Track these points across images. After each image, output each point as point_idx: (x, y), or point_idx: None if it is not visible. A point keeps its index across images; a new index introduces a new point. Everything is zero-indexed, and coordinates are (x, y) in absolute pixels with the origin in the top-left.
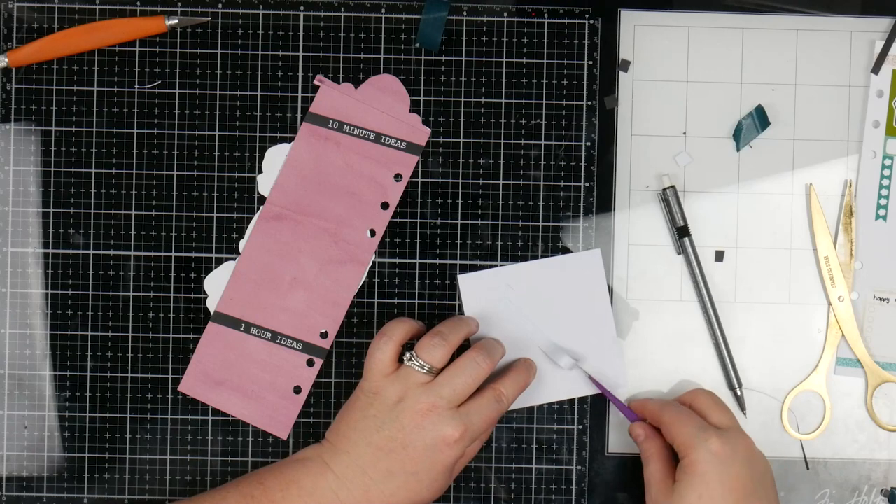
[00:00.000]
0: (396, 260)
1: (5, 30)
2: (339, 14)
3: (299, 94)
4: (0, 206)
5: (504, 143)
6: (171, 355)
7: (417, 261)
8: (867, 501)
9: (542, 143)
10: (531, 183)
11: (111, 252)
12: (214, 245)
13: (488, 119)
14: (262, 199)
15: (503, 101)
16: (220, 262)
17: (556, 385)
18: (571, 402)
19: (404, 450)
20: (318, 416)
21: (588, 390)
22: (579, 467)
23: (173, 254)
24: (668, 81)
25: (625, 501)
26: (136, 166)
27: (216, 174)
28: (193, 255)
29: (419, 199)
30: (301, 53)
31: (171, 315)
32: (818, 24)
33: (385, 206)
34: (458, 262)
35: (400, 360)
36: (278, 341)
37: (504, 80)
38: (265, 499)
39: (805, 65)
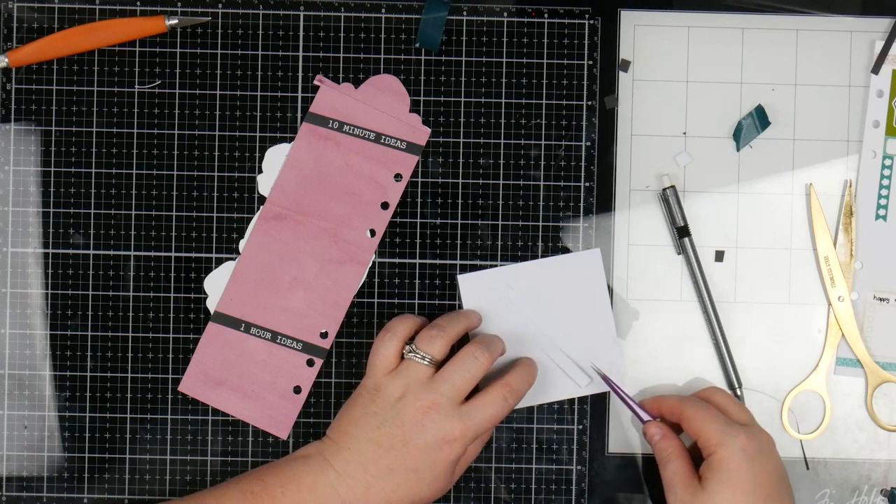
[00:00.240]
0: (396, 260)
1: (5, 30)
2: (339, 14)
3: (299, 94)
4: (0, 206)
5: (504, 143)
6: (171, 355)
7: (417, 261)
8: (867, 501)
9: (542, 143)
10: (531, 183)
11: (111, 252)
12: (214, 245)
13: (488, 119)
14: (262, 199)
15: (503, 101)
16: (220, 262)
17: (557, 385)
18: (571, 402)
19: (405, 447)
20: (318, 416)
21: (588, 390)
22: (579, 467)
23: (173, 254)
24: (668, 81)
25: (625, 501)
26: (136, 166)
27: (216, 174)
28: (193, 255)
29: (419, 199)
30: (301, 53)
31: (171, 315)
32: (818, 24)
33: (385, 206)
34: (458, 262)
35: (402, 358)
36: (278, 341)
37: (504, 80)
38: (265, 495)
39: (805, 65)
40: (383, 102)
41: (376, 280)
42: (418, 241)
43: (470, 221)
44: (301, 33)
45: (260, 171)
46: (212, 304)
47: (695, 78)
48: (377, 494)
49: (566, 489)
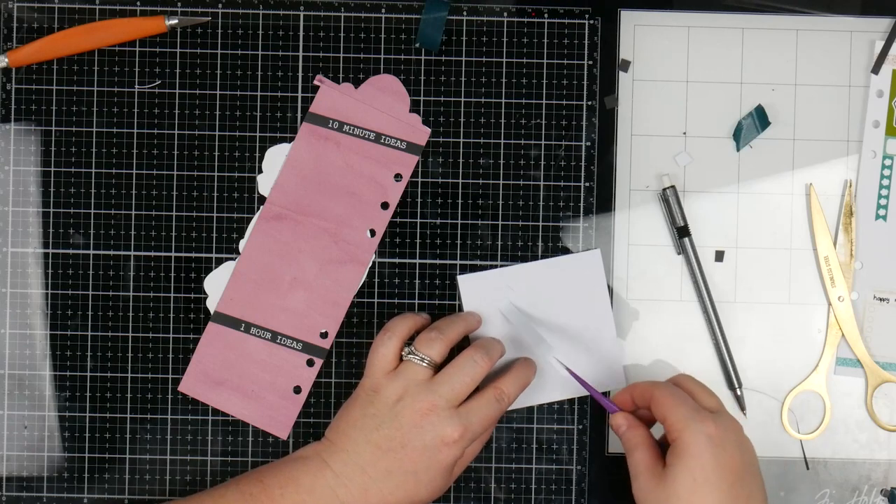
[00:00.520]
0: (396, 260)
1: (5, 30)
2: (339, 14)
3: (299, 94)
4: (0, 206)
5: (504, 143)
6: (171, 355)
7: (417, 261)
8: (867, 501)
9: (542, 143)
10: (531, 183)
11: (111, 252)
12: (214, 245)
13: (488, 119)
14: (262, 199)
15: (503, 101)
16: (220, 262)
17: (556, 385)
18: (571, 401)
19: (403, 449)
20: (318, 416)
21: (584, 391)
22: (579, 467)
23: (173, 254)
24: (668, 81)
25: (624, 501)
26: (136, 166)
27: (216, 174)
28: (193, 255)
29: (419, 199)
30: (301, 53)
31: (171, 315)
32: (818, 24)
33: (385, 206)
34: (458, 262)
35: (401, 360)
36: (278, 341)
37: (504, 80)
38: (264, 496)
39: (805, 65)
40: (383, 102)
41: (376, 280)
42: (418, 241)
43: (470, 221)
44: (301, 33)
45: (260, 171)
46: (212, 304)
47: (695, 78)
48: (375, 496)
49: (566, 489)
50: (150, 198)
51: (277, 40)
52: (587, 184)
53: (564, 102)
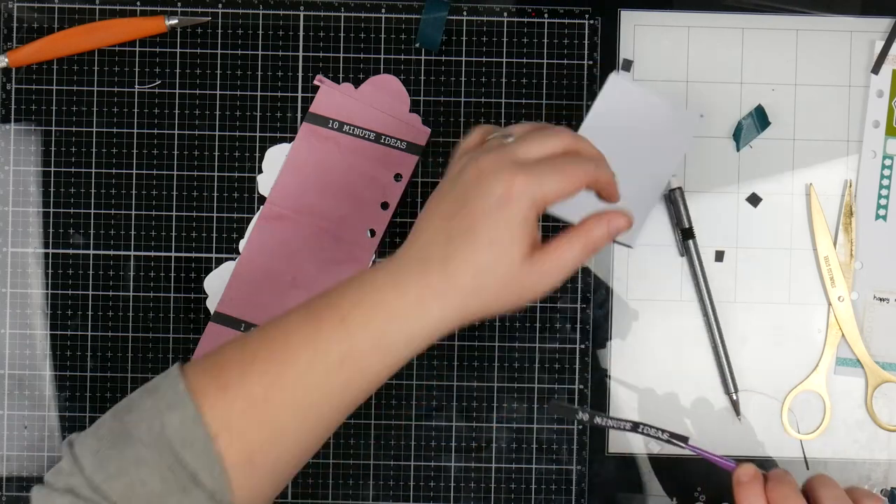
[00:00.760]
0: None
1: (5, 30)
2: (339, 14)
3: (299, 94)
4: (0, 206)
5: None
6: (171, 355)
7: None
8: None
9: None
10: None
11: (111, 252)
12: (214, 245)
13: (488, 119)
14: (262, 199)
15: (503, 101)
16: (220, 262)
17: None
18: (571, 401)
19: (464, 207)
20: None
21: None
22: (579, 467)
23: (173, 254)
24: (668, 81)
25: (624, 502)
26: (136, 166)
27: (216, 174)
28: (193, 255)
29: (419, 199)
30: (301, 53)
31: (171, 315)
32: (818, 24)
33: (385, 206)
34: None
35: None
36: None
37: (504, 80)
38: (330, 312)
39: (805, 65)
40: (383, 102)
41: None
42: None
43: None
44: (301, 33)
45: (260, 171)
46: (212, 304)
47: (695, 78)
48: (436, 269)
49: (566, 489)
50: (150, 198)
51: (277, 40)
52: None
53: (564, 102)
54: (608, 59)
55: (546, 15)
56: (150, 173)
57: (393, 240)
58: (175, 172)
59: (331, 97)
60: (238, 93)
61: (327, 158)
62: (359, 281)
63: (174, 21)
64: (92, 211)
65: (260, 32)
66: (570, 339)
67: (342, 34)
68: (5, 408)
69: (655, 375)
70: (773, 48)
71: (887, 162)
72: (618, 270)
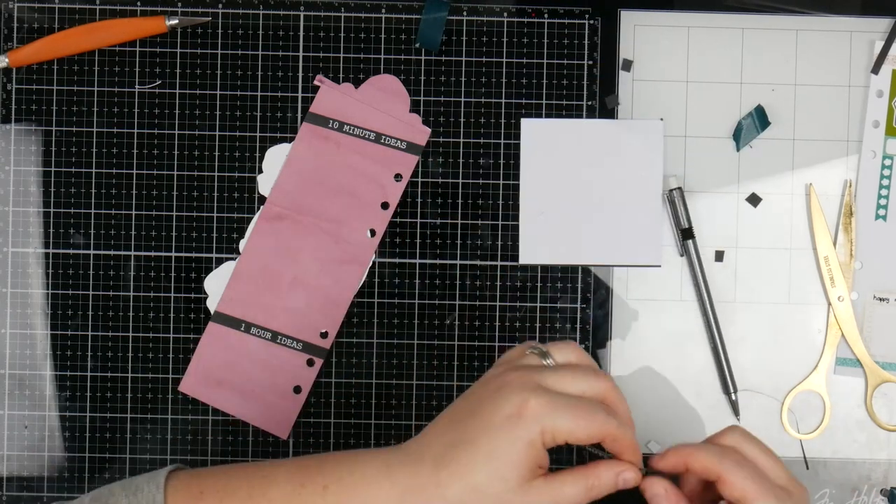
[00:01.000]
0: (396, 260)
1: (5, 30)
2: (339, 14)
3: (299, 94)
4: (0, 206)
5: (504, 143)
6: (171, 355)
7: (417, 261)
8: (867, 501)
9: None
10: None
11: (111, 252)
12: (214, 245)
13: (488, 119)
14: (262, 199)
15: (503, 101)
16: (220, 262)
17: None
18: None
19: (472, 416)
20: (318, 416)
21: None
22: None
23: (173, 254)
24: (668, 81)
25: (624, 501)
26: (136, 166)
27: (216, 174)
28: (193, 255)
29: (419, 199)
30: (301, 53)
31: (171, 315)
32: (818, 24)
33: (385, 206)
34: (458, 261)
35: None
36: (278, 341)
37: (504, 80)
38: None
39: (805, 65)
40: (383, 102)
41: (376, 280)
42: (418, 241)
43: (470, 221)
44: (301, 33)
45: (260, 171)
46: (212, 304)
47: (695, 78)
48: (427, 476)
49: None
50: (150, 198)
51: (277, 40)
52: None
53: (564, 102)
54: (608, 59)
55: (546, 15)
56: (150, 173)
57: (393, 240)
58: (175, 172)
59: (331, 97)
60: (238, 93)
61: (327, 158)
62: (354, 457)
63: (174, 21)
64: (92, 211)
65: (260, 32)
66: (570, 340)
67: (342, 34)
68: (5, 408)
69: (655, 375)
70: (773, 48)
71: (887, 162)
72: (618, 270)
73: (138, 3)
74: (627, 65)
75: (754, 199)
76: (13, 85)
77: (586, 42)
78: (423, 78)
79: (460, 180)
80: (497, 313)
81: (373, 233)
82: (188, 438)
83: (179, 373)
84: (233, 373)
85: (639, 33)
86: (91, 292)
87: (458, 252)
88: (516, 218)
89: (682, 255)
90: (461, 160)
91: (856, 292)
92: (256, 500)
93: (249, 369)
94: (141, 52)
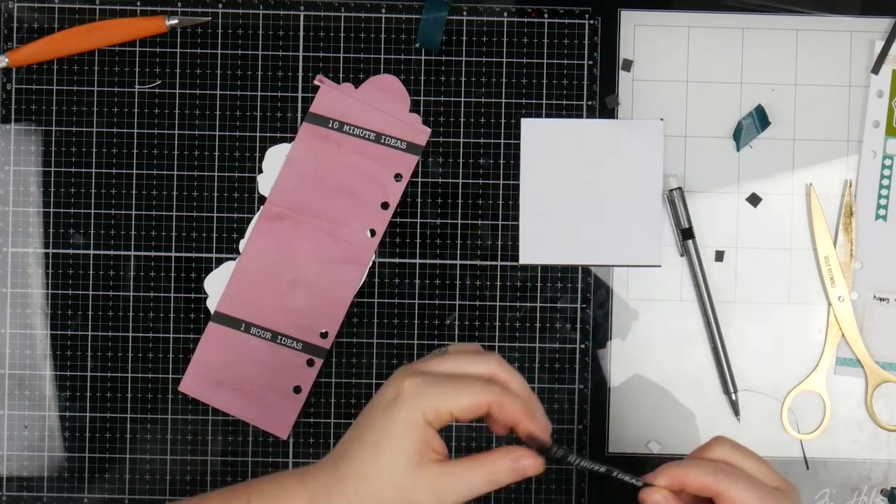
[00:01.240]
0: (396, 260)
1: (5, 30)
2: (339, 14)
3: (299, 94)
4: (0, 206)
5: (504, 143)
6: (171, 355)
7: (417, 261)
8: (867, 501)
9: None
10: None
11: (111, 252)
12: (214, 245)
13: (488, 119)
14: (262, 199)
15: (503, 101)
16: (220, 262)
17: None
18: (571, 401)
19: (363, 415)
20: (318, 416)
21: None
22: None
23: (173, 254)
24: (668, 81)
25: (625, 502)
26: (136, 166)
27: (216, 174)
28: (193, 255)
29: (419, 199)
30: (301, 53)
31: (171, 315)
32: (818, 24)
33: (385, 206)
34: (458, 261)
35: None
36: (278, 341)
37: (504, 80)
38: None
39: (805, 65)
40: (383, 102)
41: (376, 280)
42: (418, 241)
43: (470, 221)
44: (301, 33)
45: (260, 171)
46: (212, 304)
47: (695, 78)
48: (315, 477)
49: (566, 489)
50: (150, 198)
51: (277, 40)
52: None
53: (564, 102)
54: (608, 59)
55: (546, 15)
56: (150, 173)
57: (393, 240)
58: (175, 172)
59: (331, 97)
60: (238, 93)
61: (327, 158)
62: (281, 474)
63: (174, 21)
64: (92, 211)
65: (260, 32)
66: (570, 339)
67: (342, 34)
68: (5, 408)
69: (655, 375)
70: (773, 48)
71: (887, 162)
72: (618, 270)
73: (138, 3)
74: (627, 65)
75: (754, 199)
76: (13, 85)
77: (586, 42)
78: (423, 78)
79: (460, 180)
80: (497, 313)
81: (373, 233)
82: (188, 438)
83: (179, 373)
84: (233, 373)
85: (639, 33)
86: (91, 292)
87: (458, 252)
88: (516, 218)
89: (682, 255)
90: (461, 160)
91: (856, 292)
92: None
93: (249, 369)
94: (141, 52)
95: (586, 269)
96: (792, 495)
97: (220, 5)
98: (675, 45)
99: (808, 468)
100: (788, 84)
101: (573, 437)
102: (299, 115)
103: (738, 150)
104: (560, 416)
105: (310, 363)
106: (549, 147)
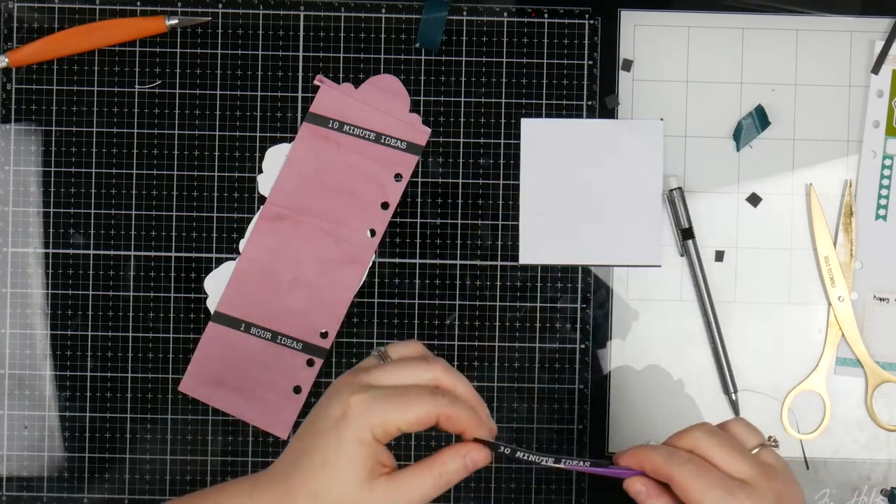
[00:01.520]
0: (396, 260)
1: (5, 30)
2: (339, 14)
3: (299, 94)
4: (0, 206)
5: (504, 143)
6: (171, 355)
7: (417, 261)
8: (867, 501)
9: None
10: None
11: (111, 252)
12: (214, 245)
13: (488, 119)
14: (262, 199)
15: (503, 101)
16: (220, 262)
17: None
18: (571, 401)
19: (308, 428)
20: None
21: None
22: None
23: (173, 254)
24: (668, 81)
25: (625, 502)
26: (136, 166)
27: (216, 174)
28: (193, 255)
29: (419, 199)
30: (301, 53)
31: (171, 315)
32: (818, 24)
33: (385, 206)
34: (458, 261)
35: None
36: (278, 341)
37: (504, 80)
38: None
39: (805, 65)
40: (383, 102)
41: (376, 280)
42: (418, 241)
43: (470, 221)
44: (301, 33)
45: (260, 171)
46: (212, 304)
47: (695, 78)
48: (266, 487)
49: (566, 489)
50: (150, 198)
51: (277, 40)
52: None
53: (564, 102)
54: (608, 59)
55: (546, 15)
56: (150, 173)
57: (393, 240)
58: (175, 172)
59: (331, 97)
60: (238, 93)
61: (327, 158)
62: (233, 482)
63: (174, 21)
64: (92, 211)
65: (260, 32)
66: (570, 339)
67: (342, 34)
68: (5, 408)
69: (655, 376)
70: (773, 48)
71: (887, 162)
72: (618, 270)
73: (138, 3)
74: (627, 65)
75: (754, 199)
76: (13, 85)
77: (586, 42)
78: (423, 78)
79: (460, 180)
80: (497, 313)
81: (373, 233)
82: (188, 438)
83: (179, 373)
84: (233, 373)
85: (639, 33)
86: (91, 292)
87: (458, 252)
88: (516, 218)
89: (682, 255)
90: (461, 160)
91: (856, 292)
92: None
93: (249, 369)
94: (141, 52)
95: (586, 269)
96: (763, 490)
97: (220, 5)
98: (675, 45)
99: (808, 468)
100: (788, 84)
101: (573, 436)
102: (299, 115)
103: (738, 150)
104: (560, 415)
105: (310, 363)
106: (548, 147)
